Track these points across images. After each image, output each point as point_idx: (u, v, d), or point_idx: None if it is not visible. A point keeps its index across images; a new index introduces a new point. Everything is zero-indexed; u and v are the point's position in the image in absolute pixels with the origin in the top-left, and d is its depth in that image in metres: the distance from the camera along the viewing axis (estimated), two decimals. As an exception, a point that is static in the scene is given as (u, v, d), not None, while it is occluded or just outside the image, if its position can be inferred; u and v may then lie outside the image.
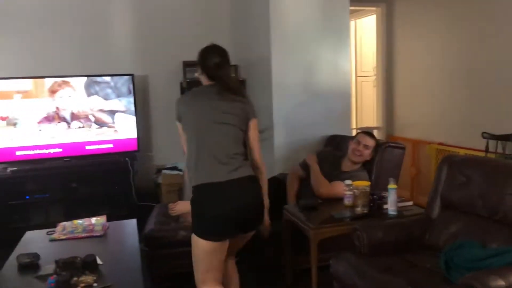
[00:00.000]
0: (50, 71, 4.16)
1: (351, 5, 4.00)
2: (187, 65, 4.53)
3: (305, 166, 3.23)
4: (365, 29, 6.00)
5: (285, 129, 3.80)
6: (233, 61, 4.65)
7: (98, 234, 2.75)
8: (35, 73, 4.08)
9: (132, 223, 3.00)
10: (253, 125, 2.17)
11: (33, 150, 4.00)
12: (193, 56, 4.51)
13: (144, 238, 2.90)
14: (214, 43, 2.33)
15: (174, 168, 4.31)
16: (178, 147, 4.71)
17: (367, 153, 3.08)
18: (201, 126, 2.09)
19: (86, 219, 2.91)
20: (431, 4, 4.51)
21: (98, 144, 4.17)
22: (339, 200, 2.85)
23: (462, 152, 3.94)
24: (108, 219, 2.97)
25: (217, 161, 2.03)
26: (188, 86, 4.38)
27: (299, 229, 2.69)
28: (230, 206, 1.98)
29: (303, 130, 3.83)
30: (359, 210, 2.68)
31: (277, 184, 3.34)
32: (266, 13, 3.74)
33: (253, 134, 2.18)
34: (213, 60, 2.20)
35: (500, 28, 3.70)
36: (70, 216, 3.51)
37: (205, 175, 2.02)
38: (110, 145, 4.21)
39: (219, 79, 2.16)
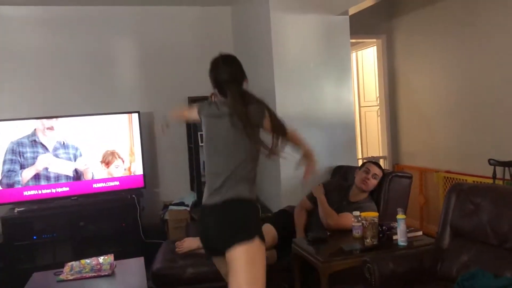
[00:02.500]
0: (58, 111, 4.24)
1: (351, 38, 4.07)
2: (192, 100, 4.59)
3: (312, 198, 3.22)
4: (367, 59, 6.08)
5: (291, 161, 3.79)
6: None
7: (106, 273, 2.72)
8: (42, 113, 4.15)
9: (139, 261, 2.98)
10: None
11: (40, 189, 4.02)
12: (198, 91, 4.65)
13: (152, 276, 2.87)
14: (224, 54, 2.30)
15: (181, 203, 4.31)
16: (184, 182, 4.76)
17: (375, 182, 3.07)
18: None
19: (94, 258, 2.89)
20: (431, 34, 4.58)
21: (105, 182, 4.19)
22: (348, 231, 2.82)
23: (469, 179, 3.91)
24: (116, 257, 2.94)
25: None
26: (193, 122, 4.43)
27: (309, 263, 2.65)
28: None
29: (309, 161, 3.82)
30: (368, 241, 2.65)
31: (286, 217, 3.33)
32: (268, 47, 3.81)
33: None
34: (222, 76, 2.19)
35: (503, 56, 3.74)
36: (78, 255, 3.49)
37: None
38: (117, 183, 4.22)
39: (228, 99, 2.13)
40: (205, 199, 2.10)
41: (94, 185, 4.16)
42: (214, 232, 2.02)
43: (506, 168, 3.55)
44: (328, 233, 2.87)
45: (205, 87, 4.63)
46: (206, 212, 2.07)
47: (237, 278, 1.92)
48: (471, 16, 4.05)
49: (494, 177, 3.60)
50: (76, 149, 4.11)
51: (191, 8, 4.79)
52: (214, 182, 2.07)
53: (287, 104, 3.79)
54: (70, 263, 2.86)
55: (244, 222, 2.00)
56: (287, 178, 3.79)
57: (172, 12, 4.74)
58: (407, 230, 2.68)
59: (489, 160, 3.62)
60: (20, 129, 3.97)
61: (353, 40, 4.51)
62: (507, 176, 3.55)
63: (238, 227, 1.97)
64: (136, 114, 4.28)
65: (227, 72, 2.19)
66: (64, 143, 4.07)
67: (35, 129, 3.99)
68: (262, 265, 1.98)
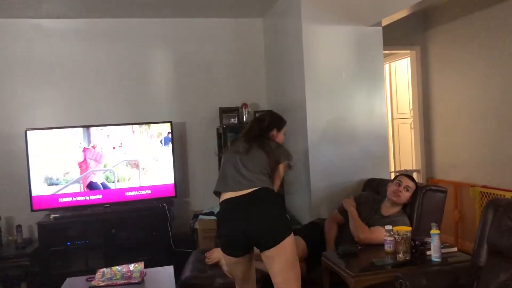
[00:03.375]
0: (93, 120, 4.36)
1: (385, 49, 4.02)
2: (223, 111, 4.63)
3: (343, 211, 3.18)
4: (400, 71, 6.00)
5: (322, 173, 3.78)
6: (267, 106, 4.79)
7: (136, 281, 2.76)
8: (78, 123, 4.28)
9: (169, 270, 3.00)
10: None
11: (75, 197, 4.12)
12: (229, 102, 4.69)
13: (181, 285, 2.88)
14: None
15: (211, 213, 4.32)
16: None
17: (407, 195, 3.00)
18: None
19: (125, 265, 2.93)
20: (467, 45, 4.48)
21: (137, 190, 4.26)
22: (379, 246, 2.76)
23: (508, 195, 3.77)
24: (146, 265, 2.98)
25: None
26: (224, 132, 4.46)
27: (339, 277, 2.61)
28: None
29: (340, 174, 3.79)
30: (400, 256, 2.59)
31: (315, 229, 3.29)
32: (300, 59, 3.81)
33: None
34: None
35: None
36: (109, 262, 3.55)
37: None
38: (148, 191, 4.28)
39: None
40: None
41: (127, 193, 4.24)
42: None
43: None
44: (359, 247, 2.82)
45: (236, 98, 4.73)
46: None
47: (285, 273, 2.30)
48: (500, 27, 3.95)
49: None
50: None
51: (224, 20, 4.85)
52: None
53: (318, 116, 3.77)
54: (101, 270, 2.91)
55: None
56: (317, 190, 3.76)
57: (205, 24, 4.82)
58: (441, 246, 2.61)
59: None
60: (60, 136, 4.10)
61: (386, 51, 4.46)
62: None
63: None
64: (169, 124, 4.34)
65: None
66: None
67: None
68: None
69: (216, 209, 4.39)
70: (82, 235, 4.08)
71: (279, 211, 2.36)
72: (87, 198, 4.15)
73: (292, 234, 2.31)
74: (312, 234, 3.23)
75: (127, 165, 4.24)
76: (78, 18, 4.49)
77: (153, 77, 4.76)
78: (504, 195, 3.77)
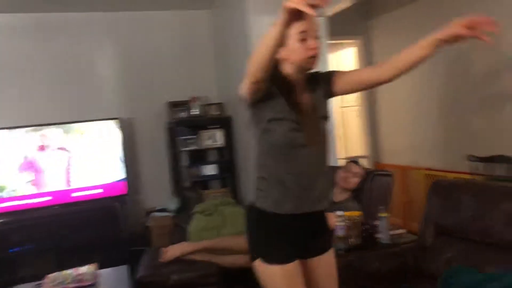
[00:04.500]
0: (35, 119, 4.16)
1: (329, 39, 4.09)
2: (172, 105, 4.56)
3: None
4: (346, 60, 6.12)
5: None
6: (218, 99, 4.77)
7: (88, 283, 2.67)
8: (20, 123, 4.07)
9: (123, 269, 2.94)
10: None
11: (22, 200, 3.93)
12: (178, 96, 4.62)
13: (136, 284, 2.82)
14: None
15: (164, 210, 4.26)
16: (166, 188, 4.71)
17: (356, 181, 3.09)
18: None
19: (76, 268, 2.84)
20: (408, 33, 4.64)
21: (87, 190, 4.12)
22: (332, 232, 2.82)
23: (450, 176, 3.96)
24: (100, 267, 2.89)
25: None
26: (174, 126, 4.39)
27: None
28: None
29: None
30: (352, 241, 2.65)
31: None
32: (248, 52, 3.80)
33: None
34: None
35: (483, 52, 3.79)
36: (61, 266, 3.41)
37: None
38: (99, 190, 4.16)
39: None
40: None
41: (76, 194, 4.10)
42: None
43: (485, 164, 3.61)
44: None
45: (185, 92, 4.66)
46: None
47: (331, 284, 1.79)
48: (447, 15, 4.11)
49: (473, 173, 3.65)
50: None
51: (169, 12, 4.76)
52: None
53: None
54: (51, 275, 2.80)
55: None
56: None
57: (150, 17, 4.71)
58: (390, 228, 2.70)
59: (468, 156, 3.68)
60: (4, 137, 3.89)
61: (331, 42, 4.54)
62: (486, 172, 3.60)
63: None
64: (117, 121, 4.22)
65: None
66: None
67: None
68: None
69: (170, 206, 4.36)
70: (30, 240, 3.90)
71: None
72: (36, 200, 3.97)
73: (258, 260, 1.68)
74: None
75: (74, 164, 4.09)
76: (17, 12, 4.25)
77: (98, 73, 4.60)
78: (446, 176, 3.96)
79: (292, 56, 1.64)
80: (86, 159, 4.13)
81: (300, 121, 1.62)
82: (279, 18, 1.39)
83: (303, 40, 1.61)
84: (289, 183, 1.63)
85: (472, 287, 1.95)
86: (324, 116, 1.75)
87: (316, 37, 1.64)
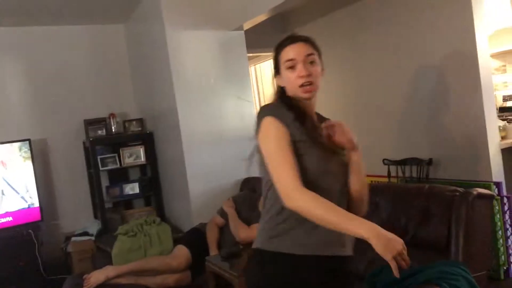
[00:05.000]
0: None
1: (249, 52, 4.16)
2: (89, 123, 4.36)
3: (223, 213, 3.20)
4: (266, 72, 6.26)
5: (199, 178, 3.77)
6: (138, 115, 4.64)
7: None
8: None
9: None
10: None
11: None
12: (95, 114, 4.42)
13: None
14: None
15: (85, 233, 4.04)
16: (86, 210, 4.47)
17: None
18: None
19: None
20: (323, 45, 4.83)
21: (-5, 219, 3.80)
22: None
23: (368, 180, 4.15)
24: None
25: None
26: (92, 145, 4.20)
27: (225, 279, 2.62)
28: None
29: (217, 176, 3.82)
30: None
31: (198, 235, 3.26)
32: (167, 65, 3.76)
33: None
34: None
35: (397, 61, 4.01)
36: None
37: None
38: (9, 218, 3.84)
39: None
40: None
41: (-18, 224, 3.75)
42: None
43: (398, 166, 3.84)
44: (241, 247, 2.86)
45: (103, 108, 4.48)
46: None
47: None
48: (360, 27, 4.34)
49: (389, 176, 3.87)
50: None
51: (82, 27, 4.57)
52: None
53: (191, 121, 3.76)
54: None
55: None
56: (196, 196, 3.74)
57: (61, 32, 4.48)
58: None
59: (383, 160, 3.89)
60: None
61: (250, 54, 4.61)
62: (400, 174, 3.83)
63: None
64: (27, 142, 3.95)
65: None
66: None
67: None
68: None
69: (91, 229, 4.14)
70: None
71: None
72: None
73: None
74: (195, 240, 3.20)
75: (-20, 192, 3.75)
76: None
77: (5, 92, 4.28)
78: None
79: (287, 86, 1.59)
80: (-6, 185, 3.80)
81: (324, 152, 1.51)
82: (357, 229, 1.32)
83: (291, 68, 1.55)
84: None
85: (393, 283, 2.04)
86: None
87: (308, 63, 1.54)
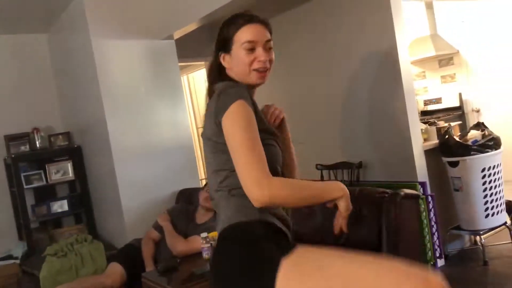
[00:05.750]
0: None
1: (180, 61, 4.11)
2: (10, 139, 4.09)
3: (158, 227, 3.12)
4: (199, 81, 6.22)
5: (132, 192, 3.65)
6: (64, 128, 4.42)
7: None
8: None
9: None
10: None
11: None
12: (16, 129, 4.16)
13: None
14: None
15: (8, 257, 3.77)
16: (10, 232, 4.18)
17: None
18: None
19: None
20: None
21: None
22: (199, 255, 2.79)
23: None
24: None
25: None
26: (14, 162, 3.93)
27: (162, 295, 2.54)
28: None
29: (151, 190, 3.72)
30: (219, 261, 2.66)
31: (133, 251, 3.15)
32: (93, 76, 3.62)
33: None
34: None
35: (326, 68, 4.09)
36: None
37: None
38: None
39: None
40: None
41: None
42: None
43: (331, 171, 3.95)
44: (179, 260, 2.80)
45: (25, 123, 4.22)
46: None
47: None
48: (300, 31, 4.39)
49: (322, 179, 3.97)
50: None
51: (2, 36, 4.28)
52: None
53: (121, 132, 3.64)
54: None
55: None
56: (129, 210, 3.62)
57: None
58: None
59: (316, 165, 3.98)
60: None
61: (182, 64, 4.56)
62: (332, 177, 3.94)
63: None
64: None
65: None
66: None
67: None
68: None
69: (15, 252, 3.87)
70: None
71: None
72: None
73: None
74: (130, 257, 3.09)
75: None
76: None
77: None
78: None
79: (235, 67, 1.46)
80: None
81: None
82: (332, 194, 1.40)
83: (250, 50, 1.43)
84: None
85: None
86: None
87: (267, 48, 1.45)
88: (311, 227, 2.52)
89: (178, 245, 2.91)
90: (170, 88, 3.96)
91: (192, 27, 3.59)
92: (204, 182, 4.76)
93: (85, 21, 3.57)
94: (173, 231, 3.00)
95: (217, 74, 1.52)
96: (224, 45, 1.48)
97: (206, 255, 2.72)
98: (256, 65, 1.43)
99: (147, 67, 3.85)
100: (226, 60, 1.49)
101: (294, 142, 1.70)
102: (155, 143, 3.79)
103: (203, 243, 2.74)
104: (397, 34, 3.42)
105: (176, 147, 3.90)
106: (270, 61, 1.47)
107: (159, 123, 3.85)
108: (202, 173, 6.02)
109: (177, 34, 3.80)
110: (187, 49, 4.49)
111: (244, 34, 1.43)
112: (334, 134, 4.11)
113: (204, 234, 2.75)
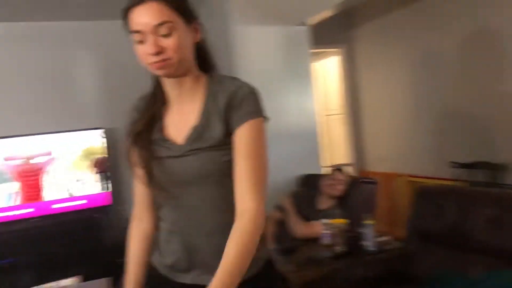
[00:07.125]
0: (18, 130, 4.09)
1: (313, 48, 4.13)
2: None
3: (280, 209, 3.22)
4: (330, 69, 6.18)
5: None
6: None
7: (70, 297, 2.63)
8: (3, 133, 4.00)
9: (106, 282, 2.89)
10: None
11: (3, 212, 3.86)
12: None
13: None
14: None
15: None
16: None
17: (341, 188, 3.11)
18: None
19: (57, 282, 2.79)
20: (391, 41, 4.71)
21: (70, 201, 4.06)
22: (317, 240, 2.83)
23: (432, 182, 4.01)
24: (86, 279, 2.85)
25: None
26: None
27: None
28: None
29: (276, 172, 3.78)
30: (338, 248, 2.67)
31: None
32: (234, 63, 3.81)
33: None
34: None
35: (457, 63, 3.86)
36: (43, 280, 3.35)
37: None
38: (83, 201, 4.10)
39: None
40: None
41: (59, 205, 4.03)
42: None
43: (466, 170, 3.66)
44: (298, 243, 2.87)
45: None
46: None
47: None
48: (429, 23, 4.18)
49: (455, 179, 3.70)
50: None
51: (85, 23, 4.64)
52: None
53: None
54: (32, 288, 2.75)
55: None
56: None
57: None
58: (376, 235, 2.72)
59: (450, 162, 3.72)
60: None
61: (315, 50, 4.58)
62: (467, 178, 3.65)
63: None
64: (101, 131, 4.18)
65: None
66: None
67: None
68: None
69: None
70: (10, 253, 3.81)
71: None
72: (16, 212, 3.90)
73: None
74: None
75: (56, 176, 4.03)
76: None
77: (79, 82, 4.55)
78: (428, 183, 4.00)
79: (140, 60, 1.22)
80: (68, 170, 4.07)
81: None
82: None
83: (140, 42, 1.17)
84: None
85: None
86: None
87: (161, 35, 1.15)
88: (439, 226, 2.39)
89: (299, 228, 2.98)
90: (300, 74, 4.00)
91: (327, 13, 3.57)
92: (327, 169, 4.76)
93: (228, 8, 3.77)
94: (295, 214, 3.08)
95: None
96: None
97: (326, 241, 2.76)
98: (148, 59, 1.18)
99: (280, 53, 3.94)
100: None
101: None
102: (281, 128, 3.88)
103: (323, 229, 2.77)
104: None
105: (300, 133, 3.96)
106: (168, 48, 1.16)
107: (286, 108, 3.93)
108: (325, 160, 6.03)
109: (312, 21, 3.81)
110: (321, 36, 4.49)
111: (131, 22, 1.16)
112: (471, 130, 3.79)
113: (325, 221, 2.79)
